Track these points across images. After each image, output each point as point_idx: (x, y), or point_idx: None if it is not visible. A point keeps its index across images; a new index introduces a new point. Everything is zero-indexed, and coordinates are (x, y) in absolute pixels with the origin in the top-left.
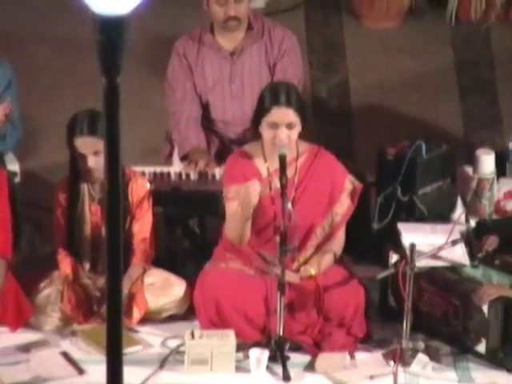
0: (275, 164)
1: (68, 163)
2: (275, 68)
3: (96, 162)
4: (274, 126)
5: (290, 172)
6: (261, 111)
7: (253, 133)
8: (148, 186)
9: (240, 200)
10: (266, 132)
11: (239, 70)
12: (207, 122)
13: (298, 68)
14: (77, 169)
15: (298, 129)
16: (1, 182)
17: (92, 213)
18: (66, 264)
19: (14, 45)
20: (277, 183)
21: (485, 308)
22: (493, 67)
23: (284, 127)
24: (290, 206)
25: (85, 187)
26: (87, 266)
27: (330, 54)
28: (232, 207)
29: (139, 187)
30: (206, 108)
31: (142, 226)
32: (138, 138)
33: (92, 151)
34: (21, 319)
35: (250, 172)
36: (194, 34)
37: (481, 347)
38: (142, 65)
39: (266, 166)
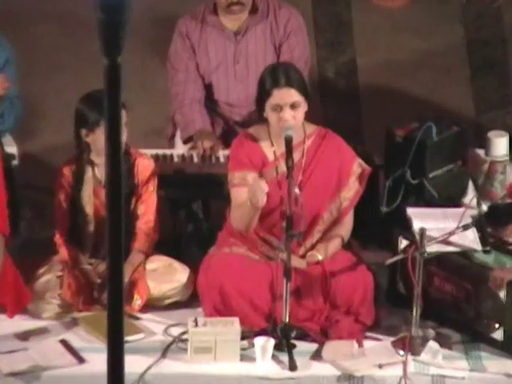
0: (282, 147)
1: (71, 145)
2: (281, 48)
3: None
4: (278, 108)
5: (296, 155)
6: (262, 96)
7: (258, 116)
8: (153, 166)
9: (248, 194)
10: (271, 116)
11: (243, 50)
12: (211, 103)
13: (304, 48)
14: (83, 152)
15: (303, 108)
16: None
17: (96, 196)
18: (65, 249)
19: (15, 23)
20: (284, 167)
21: (501, 293)
22: (505, 46)
23: (288, 108)
24: (296, 190)
25: (89, 170)
26: (89, 251)
27: (338, 33)
28: (237, 194)
29: (145, 167)
30: (209, 89)
31: (147, 208)
32: (139, 119)
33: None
34: (19, 304)
35: (256, 157)
36: (197, 13)
37: (495, 334)
38: (145, 44)
39: (272, 149)
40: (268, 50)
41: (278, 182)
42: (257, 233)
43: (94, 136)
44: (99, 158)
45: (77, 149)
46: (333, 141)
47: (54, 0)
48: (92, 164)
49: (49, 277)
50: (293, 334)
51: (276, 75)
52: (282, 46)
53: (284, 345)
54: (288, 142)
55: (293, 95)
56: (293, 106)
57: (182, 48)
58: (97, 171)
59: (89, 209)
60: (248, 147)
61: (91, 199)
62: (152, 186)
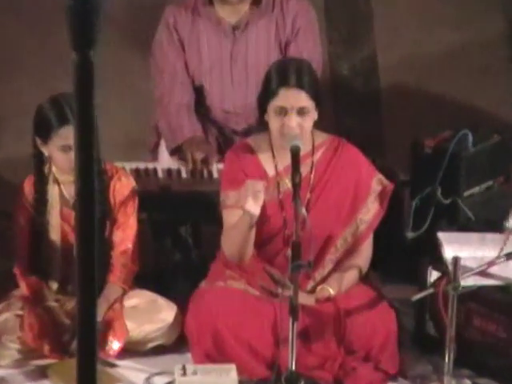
0: (285, 160)
1: (33, 157)
2: (288, 48)
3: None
4: (283, 111)
5: (304, 169)
6: (266, 94)
7: (259, 123)
8: (133, 184)
9: (241, 204)
10: (272, 120)
11: (242, 48)
12: (203, 109)
13: (315, 48)
14: (44, 167)
15: (311, 116)
16: None
17: (64, 219)
18: (27, 282)
19: None
20: (287, 184)
21: None
22: None
23: (294, 113)
24: (304, 211)
25: (55, 189)
26: (55, 284)
27: (355, 27)
28: (231, 217)
29: (123, 186)
30: (200, 93)
31: (125, 235)
32: (116, 126)
33: None
34: None
35: (253, 172)
36: (187, 1)
37: None
38: (124, 37)
39: (273, 162)
40: (272, 50)
41: (280, 201)
42: (257, 262)
43: (48, 148)
44: (63, 175)
45: (34, 159)
46: (347, 152)
47: None
48: (58, 182)
49: (6, 316)
50: None
51: (285, 72)
52: (289, 45)
53: None
54: (294, 154)
55: (302, 99)
56: (300, 113)
57: (169, 43)
58: (64, 190)
59: (55, 234)
60: (244, 160)
61: (58, 223)
62: (131, 208)
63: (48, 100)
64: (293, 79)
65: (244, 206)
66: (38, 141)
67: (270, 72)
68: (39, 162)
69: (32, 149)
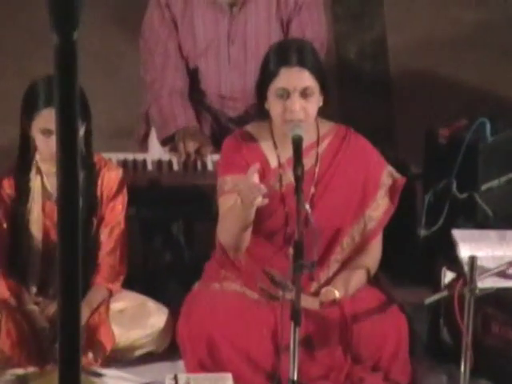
0: (288, 151)
1: (15, 147)
2: (290, 26)
3: None
4: (284, 94)
5: (308, 161)
6: (266, 77)
7: (258, 109)
8: (123, 179)
9: (241, 193)
10: (273, 105)
11: (241, 27)
12: (197, 94)
13: (319, 26)
14: (29, 155)
15: (316, 100)
16: None
17: (46, 214)
18: (5, 284)
19: None
20: (290, 177)
21: None
22: None
23: (297, 95)
24: (307, 206)
25: (37, 180)
26: (34, 287)
27: (363, 3)
28: (228, 202)
29: (112, 181)
30: (194, 77)
31: (113, 233)
32: (102, 114)
33: None
34: None
35: (254, 157)
36: None
37: None
38: (110, 17)
39: (275, 153)
40: (272, 28)
41: (282, 195)
42: (255, 262)
43: (32, 131)
44: (45, 164)
45: (20, 143)
46: (355, 143)
47: None
48: (40, 172)
49: None
50: None
51: (286, 51)
52: (291, 22)
53: None
54: (297, 144)
55: (305, 79)
56: (304, 94)
57: (160, 23)
58: (46, 181)
59: (36, 230)
60: (245, 147)
61: (39, 218)
62: (120, 205)
63: (43, 77)
64: (294, 57)
65: (252, 202)
66: (24, 121)
67: (268, 54)
68: (24, 147)
69: (19, 137)
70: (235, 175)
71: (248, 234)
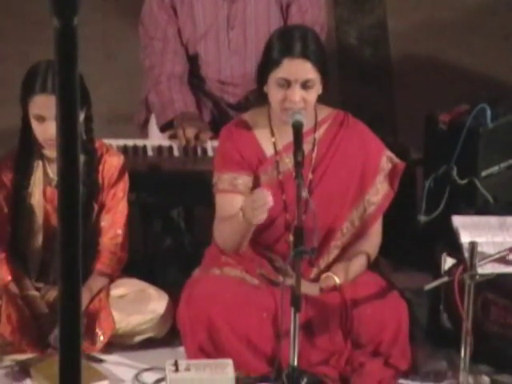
0: (285, 138)
1: (18, 131)
2: (289, 10)
3: None
4: (285, 84)
5: (305, 147)
6: (268, 65)
7: (258, 95)
8: (124, 165)
9: (244, 213)
10: (273, 92)
11: (240, 12)
12: (196, 80)
13: (319, 10)
14: (30, 139)
15: (316, 90)
16: None
17: (47, 199)
18: (6, 268)
19: None
20: (287, 164)
21: None
22: None
23: (298, 86)
24: (306, 192)
25: (39, 165)
26: (35, 272)
27: None
28: (224, 203)
29: (113, 167)
30: (194, 62)
31: (114, 219)
32: (101, 100)
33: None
34: None
35: (250, 151)
36: None
37: None
38: (110, 2)
39: (272, 140)
40: (272, 12)
41: (280, 182)
42: (256, 248)
43: (43, 100)
44: (47, 149)
45: (21, 132)
46: (354, 128)
47: None
48: (42, 158)
49: None
50: (303, 382)
51: (290, 40)
52: (291, 6)
53: None
54: (297, 130)
55: (307, 71)
56: (304, 86)
57: (160, 7)
58: (48, 166)
59: (37, 215)
60: (239, 139)
61: (41, 203)
62: (121, 191)
63: (43, 61)
64: (298, 48)
65: (251, 220)
66: (23, 105)
67: (271, 40)
68: (25, 131)
69: (21, 121)
70: (231, 173)
71: (247, 240)
